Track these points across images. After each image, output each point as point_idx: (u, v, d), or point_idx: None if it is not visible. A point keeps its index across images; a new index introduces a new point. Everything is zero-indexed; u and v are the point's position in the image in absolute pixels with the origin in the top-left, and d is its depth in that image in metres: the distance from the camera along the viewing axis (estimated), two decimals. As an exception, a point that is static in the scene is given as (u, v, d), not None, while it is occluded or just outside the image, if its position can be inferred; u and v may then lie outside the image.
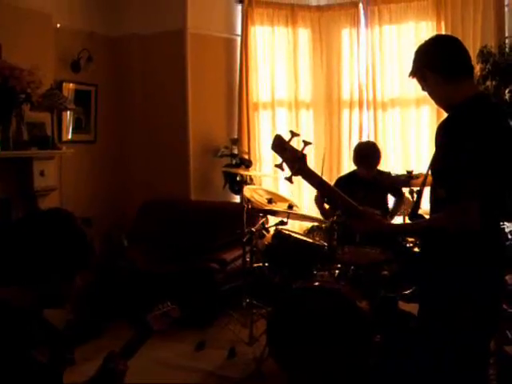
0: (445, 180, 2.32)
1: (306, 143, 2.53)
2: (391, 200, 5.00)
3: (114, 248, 5.59)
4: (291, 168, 2.48)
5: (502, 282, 2.46)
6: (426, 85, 2.48)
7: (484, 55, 5.11)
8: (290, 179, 2.52)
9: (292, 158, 2.47)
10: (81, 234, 1.94)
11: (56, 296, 1.93)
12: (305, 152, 2.49)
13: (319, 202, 4.96)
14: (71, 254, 1.89)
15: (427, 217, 2.46)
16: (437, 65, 2.40)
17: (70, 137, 5.58)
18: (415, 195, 4.28)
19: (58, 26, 5.27)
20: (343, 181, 4.93)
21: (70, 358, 1.96)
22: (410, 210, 2.63)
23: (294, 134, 2.53)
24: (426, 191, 2.56)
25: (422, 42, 2.51)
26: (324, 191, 2.56)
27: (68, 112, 5.40)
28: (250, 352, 4.30)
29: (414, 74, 2.50)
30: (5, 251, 1.88)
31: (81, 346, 4.33)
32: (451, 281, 2.30)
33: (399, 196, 4.91)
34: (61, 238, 1.88)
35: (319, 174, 2.57)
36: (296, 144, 2.55)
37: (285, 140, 2.51)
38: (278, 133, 2.60)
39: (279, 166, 2.53)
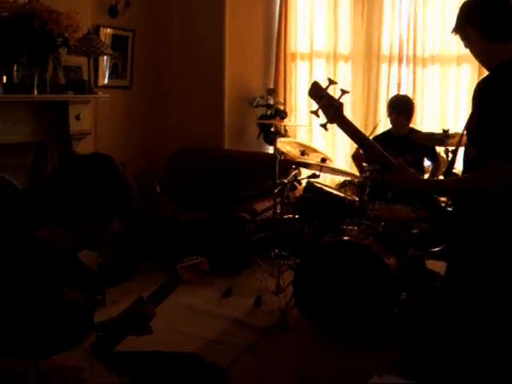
0: (476, 139, 2.29)
1: (344, 92, 2.51)
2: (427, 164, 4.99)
3: (146, 193, 5.65)
4: (327, 115, 2.46)
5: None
6: (468, 43, 2.41)
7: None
8: (324, 126, 2.50)
9: (328, 104, 2.44)
10: (123, 180, 1.96)
11: (92, 238, 1.99)
12: (342, 101, 2.46)
13: (357, 159, 4.92)
14: (111, 198, 1.92)
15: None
16: (480, 22, 2.33)
17: (106, 82, 5.59)
18: (450, 154, 4.27)
19: (96, -31, 5.23)
20: (378, 139, 4.88)
21: (101, 300, 2.01)
22: (444, 170, 2.61)
23: (331, 82, 2.51)
24: (461, 151, 2.54)
25: None
26: (359, 141, 2.54)
27: (105, 57, 5.41)
28: (276, 301, 4.35)
29: (456, 30, 2.44)
30: (47, 192, 1.93)
31: (111, 289, 4.45)
32: (483, 245, 2.29)
33: (436, 160, 4.86)
34: (102, 182, 1.91)
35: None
36: (333, 93, 2.52)
37: (322, 87, 2.49)
38: (316, 80, 2.58)
39: (315, 113, 2.51)
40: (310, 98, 2.59)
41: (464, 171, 2.41)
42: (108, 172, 1.94)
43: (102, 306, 2.01)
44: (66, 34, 4.31)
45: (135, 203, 1.99)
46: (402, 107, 4.79)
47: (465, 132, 2.47)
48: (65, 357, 1.74)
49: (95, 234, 1.97)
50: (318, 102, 2.48)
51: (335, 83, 2.53)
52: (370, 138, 4.79)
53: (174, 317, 4.18)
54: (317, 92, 2.49)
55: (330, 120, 2.46)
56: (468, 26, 2.36)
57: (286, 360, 3.75)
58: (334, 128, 2.54)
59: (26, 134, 4.45)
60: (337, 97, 2.46)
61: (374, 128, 5.04)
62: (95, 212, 1.91)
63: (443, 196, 2.69)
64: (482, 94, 2.28)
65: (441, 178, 3.88)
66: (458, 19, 2.42)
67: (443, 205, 2.57)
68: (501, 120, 2.16)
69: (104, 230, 1.98)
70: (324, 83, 2.51)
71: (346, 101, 5.98)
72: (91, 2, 5.14)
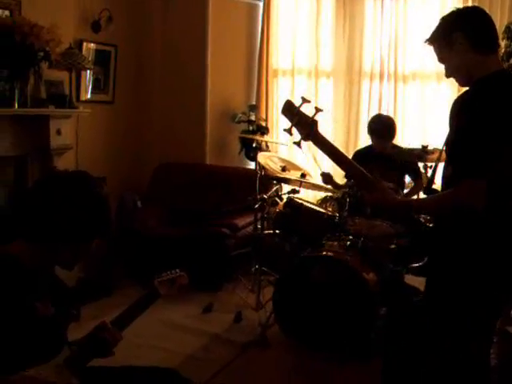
0: (454, 157, 2.29)
1: (318, 110, 2.50)
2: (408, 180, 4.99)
3: (127, 208, 5.63)
4: (300, 133, 2.45)
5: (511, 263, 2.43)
6: (449, 52, 2.36)
7: (510, 31, 5.01)
8: (298, 144, 2.50)
9: (301, 122, 2.44)
10: (103, 204, 1.92)
11: (66, 259, 1.95)
12: (316, 118, 2.45)
13: (327, 181, 4.86)
14: (90, 222, 1.88)
15: None
16: (471, 29, 2.31)
17: (88, 96, 5.59)
18: (429, 170, 4.30)
19: (79, -16, 5.24)
20: (360, 154, 4.90)
21: (75, 314, 2.00)
22: (424, 186, 2.61)
23: (304, 100, 2.49)
24: (441, 167, 2.53)
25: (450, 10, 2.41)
26: (334, 158, 2.52)
27: (88, 72, 5.41)
28: (256, 317, 4.35)
29: (436, 39, 2.39)
30: (26, 209, 1.88)
31: (90, 304, 4.42)
32: (460, 258, 2.30)
33: (417, 178, 4.83)
34: (82, 206, 1.86)
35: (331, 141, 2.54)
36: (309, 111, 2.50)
37: (295, 105, 2.48)
38: (289, 98, 2.58)
39: (288, 131, 2.50)
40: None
41: (441, 188, 2.41)
42: (88, 196, 1.89)
43: (77, 320, 1.99)
44: (48, 49, 4.31)
45: (111, 227, 1.96)
46: (383, 133, 4.70)
47: (444, 148, 2.48)
48: (37, 371, 1.72)
49: (68, 256, 1.93)
50: (290, 120, 2.47)
51: (308, 101, 2.51)
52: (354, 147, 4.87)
53: (153, 332, 4.17)
54: (290, 110, 2.48)
55: (304, 137, 2.45)
56: (458, 31, 2.31)
57: (266, 376, 3.74)
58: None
59: (6, 148, 4.42)
60: (311, 115, 2.45)
61: None
62: (70, 236, 1.86)
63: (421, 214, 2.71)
64: (462, 111, 2.27)
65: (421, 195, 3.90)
66: (441, 27, 2.39)
67: (422, 221, 2.58)
68: (478, 138, 2.15)
69: (79, 253, 1.94)
70: (297, 102, 2.51)
71: (327, 117, 6.04)
72: (74, 16, 5.15)
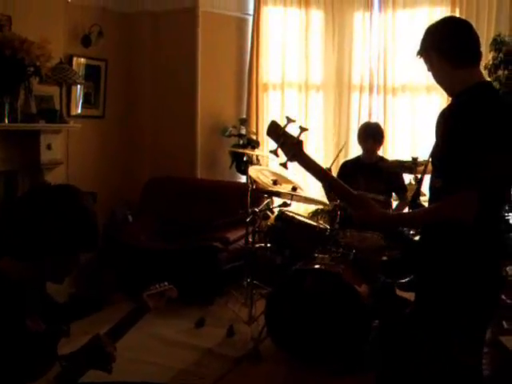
0: (442, 169, 2.30)
1: (303, 129, 2.49)
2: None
3: (118, 223, 5.62)
4: (286, 154, 2.44)
5: (499, 274, 2.43)
6: (431, 67, 2.41)
7: (497, 43, 5.05)
8: (284, 165, 2.48)
9: (287, 143, 2.42)
10: (88, 216, 1.89)
11: (54, 273, 1.93)
12: (301, 138, 2.44)
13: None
14: (75, 235, 1.85)
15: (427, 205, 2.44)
16: (443, 48, 2.32)
17: (79, 111, 5.59)
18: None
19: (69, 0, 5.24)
20: (348, 165, 4.95)
21: (65, 330, 1.98)
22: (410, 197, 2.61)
23: (289, 120, 2.48)
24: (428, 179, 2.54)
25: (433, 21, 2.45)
26: (319, 177, 2.52)
27: (78, 86, 5.42)
28: (248, 331, 4.33)
29: (420, 53, 2.43)
30: (10, 224, 1.84)
31: (81, 320, 4.40)
32: (448, 271, 2.29)
33: (403, 194, 4.87)
34: (67, 219, 1.83)
35: (317, 160, 2.53)
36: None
37: (280, 126, 2.46)
38: (273, 119, 2.56)
39: (274, 152, 2.48)
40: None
41: (429, 201, 2.41)
42: (73, 207, 1.86)
43: (67, 336, 1.97)
44: (38, 63, 4.32)
45: (99, 239, 1.94)
46: (376, 133, 4.86)
47: (430, 160, 2.49)
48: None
49: (57, 270, 1.91)
50: (276, 141, 2.45)
51: (293, 121, 2.49)
52: (336, 162, 4.93)
53: (145, 347, 4.15)
54: (275, 131, 2.46)
55: (290, 158, 2.43)
56: (431, 51, 2.36)
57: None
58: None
59: (-5, 163, 4.42)
60: (296, 135, 2.44)
61: (337, 155, 5.08)
62: (57, 249, 1.84)
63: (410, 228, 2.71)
64: (446, 124, 2.27)
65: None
66: (422, 42, 2.42)
67: (410, 234, 2.58)
68: (469, 150, 2.13)
69: (66, 266, 1.92)
70: (282, 122, 2.49)
71: (317, 130, 6.03)
72: (64, 31, 5.17)
